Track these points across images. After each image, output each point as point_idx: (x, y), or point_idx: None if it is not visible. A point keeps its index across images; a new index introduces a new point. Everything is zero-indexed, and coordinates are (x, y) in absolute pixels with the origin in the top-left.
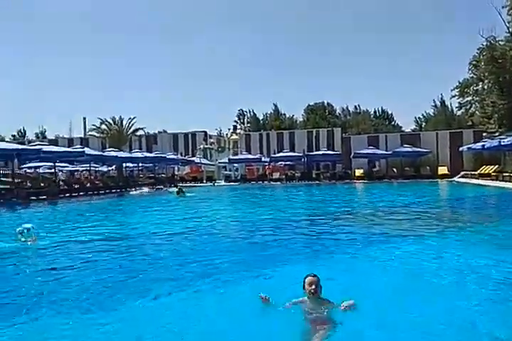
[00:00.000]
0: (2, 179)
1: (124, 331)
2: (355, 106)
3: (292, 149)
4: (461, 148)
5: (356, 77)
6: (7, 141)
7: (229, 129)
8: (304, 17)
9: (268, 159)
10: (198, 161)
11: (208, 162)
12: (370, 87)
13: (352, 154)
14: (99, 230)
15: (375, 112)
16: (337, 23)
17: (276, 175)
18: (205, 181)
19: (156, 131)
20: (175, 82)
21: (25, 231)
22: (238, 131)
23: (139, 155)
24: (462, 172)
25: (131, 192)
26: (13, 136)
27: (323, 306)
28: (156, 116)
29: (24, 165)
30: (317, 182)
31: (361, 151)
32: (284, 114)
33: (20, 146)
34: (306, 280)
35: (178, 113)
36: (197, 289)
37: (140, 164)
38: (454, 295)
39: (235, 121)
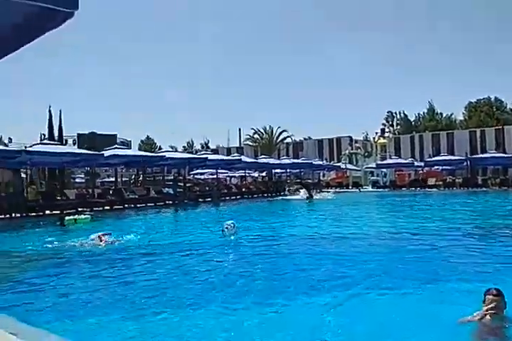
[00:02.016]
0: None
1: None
2: None
3: (451, 152)
4: None
5: None
6: (179, 152)
7: (376, 133)
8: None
9: (422, 164)
10: (344, 167)
11: (354, 167)
12: None
13: None
14: (259, 228)
15: None
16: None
17: (431, 181)
18: (350, 187)
19: (302, 138)
20: (318, 88)
21: (229, 226)
22: (387, 134)
23: (288, 161)
24: None
25: (282, 197)
26: (184, 146)
27: (505, 325)
28: (302, 123)
29: (192, 172)
30: (484, 189)
31: None
32: (441, 113)
33: (190, 155)
34: (487, 297)
35: (323, 118)
36: (361, 298)
37: (288, 170)
38: None
39: (383, 124)
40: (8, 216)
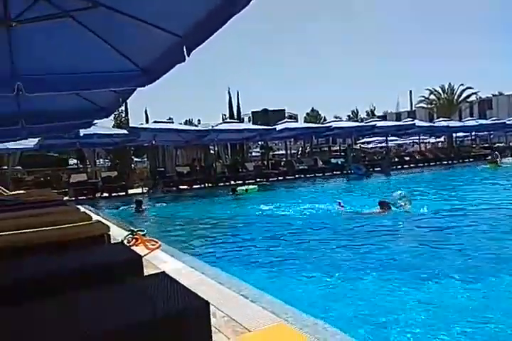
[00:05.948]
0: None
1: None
2: None
3: None
4: None
5: None
6: (344, 120)
7: None
8: None
9: None
10: None
11: None
12: None
13: None
14: (442, 200)
15: None
16: None
17: None
18: None
19: (490, 94)
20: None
21: (400, 197)
22: None
23: (473, 123)
24: None
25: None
26: (348, 115)
27: None
28: (490, 77)
29: (358, 141)
30: None
31: None
32: None
33: (357, 124)
34: None
35: None
36: None
37: (473, 133)
38: None
39: None
40: (202, 186)
